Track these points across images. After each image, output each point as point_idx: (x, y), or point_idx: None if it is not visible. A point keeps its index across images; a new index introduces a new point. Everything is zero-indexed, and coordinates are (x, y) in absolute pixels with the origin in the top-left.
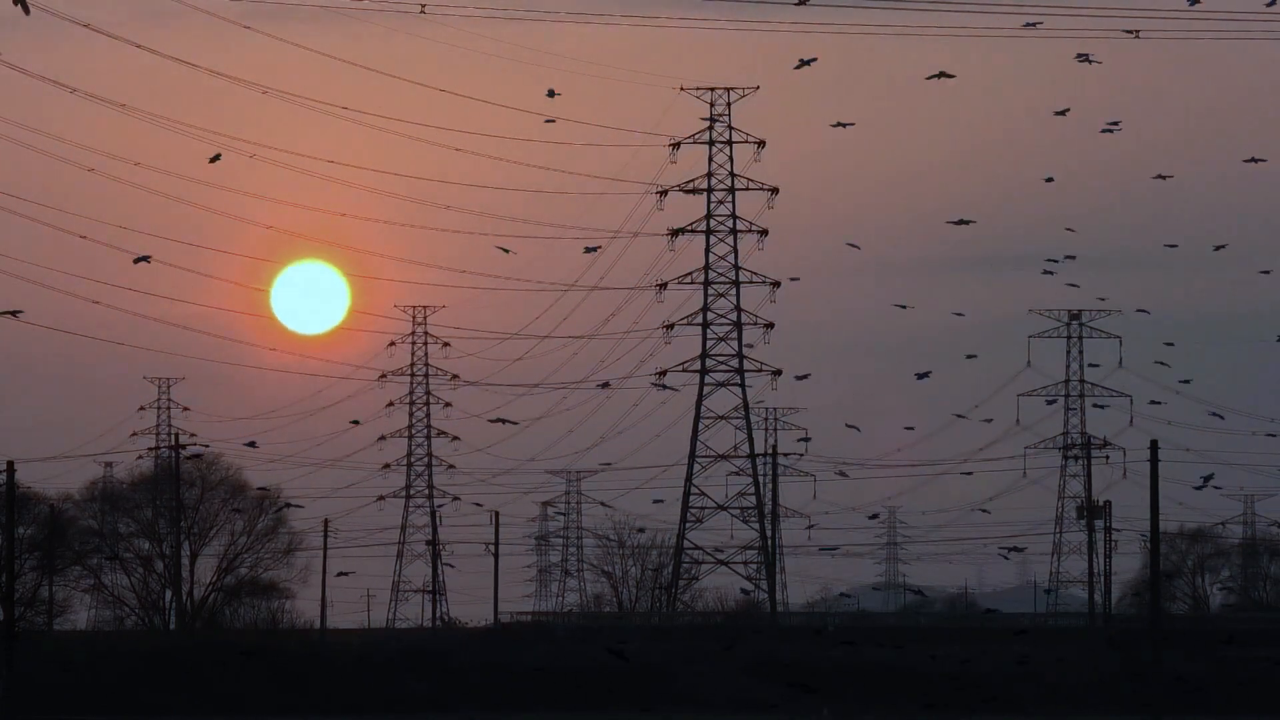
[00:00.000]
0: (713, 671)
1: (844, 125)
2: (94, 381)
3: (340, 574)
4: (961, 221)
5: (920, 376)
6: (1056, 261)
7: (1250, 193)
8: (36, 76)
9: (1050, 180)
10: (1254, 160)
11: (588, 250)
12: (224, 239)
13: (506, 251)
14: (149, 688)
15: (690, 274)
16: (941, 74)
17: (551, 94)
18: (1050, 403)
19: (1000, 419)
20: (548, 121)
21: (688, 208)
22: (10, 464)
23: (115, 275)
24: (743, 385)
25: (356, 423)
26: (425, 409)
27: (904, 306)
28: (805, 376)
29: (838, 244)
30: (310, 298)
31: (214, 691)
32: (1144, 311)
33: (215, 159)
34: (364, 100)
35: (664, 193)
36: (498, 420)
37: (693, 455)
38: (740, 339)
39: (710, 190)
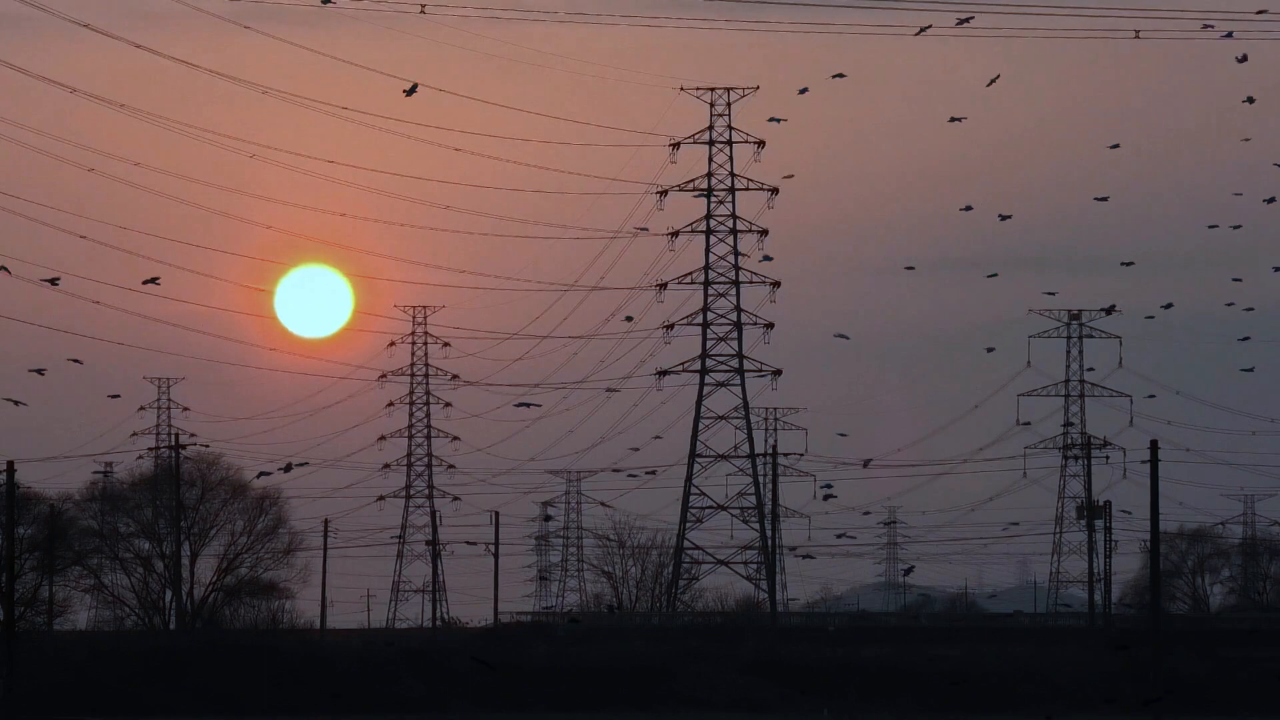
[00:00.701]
0: (713, 671)
1: (957, 120)
2: (94, 381)
3: (474, 543)
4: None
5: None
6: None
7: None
8: (36, 76)
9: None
10: (1101, 199)
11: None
12: (224, 239)
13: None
14: (149, 688)
15: (690, 274)
16: (838, 75)
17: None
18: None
19: (1000, 419)
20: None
21: (688, 208)
22: (10, 464)
23: (115, 275)
24: (743, 385)
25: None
26: (425, 409)
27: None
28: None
29: (838, 244)
30: (310, 298)
31: (214, 691)
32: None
33: (411, 90)
34: (364, 100)
35: (664, 193)
36: (522, 404)
37: (693, 455)
38: (740, 339)
39: (710, 190)
